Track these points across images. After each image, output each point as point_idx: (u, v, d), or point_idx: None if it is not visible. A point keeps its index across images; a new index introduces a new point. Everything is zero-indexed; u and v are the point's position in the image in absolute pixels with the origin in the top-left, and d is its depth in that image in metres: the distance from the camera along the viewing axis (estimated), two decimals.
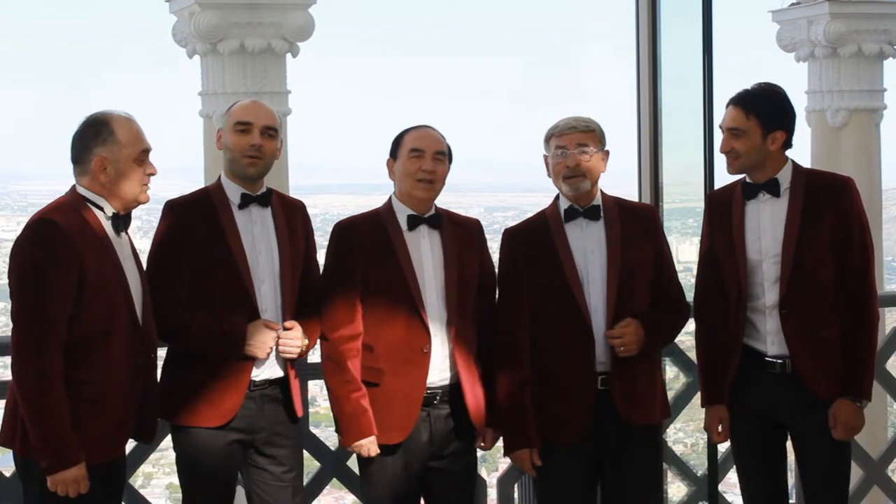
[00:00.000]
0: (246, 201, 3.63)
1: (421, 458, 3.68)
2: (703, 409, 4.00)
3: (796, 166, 3.79)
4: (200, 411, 3.56)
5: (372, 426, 3.63)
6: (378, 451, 3.65)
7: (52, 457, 3.20)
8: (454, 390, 3.67)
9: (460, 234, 3.74)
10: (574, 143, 3.67)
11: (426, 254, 3.68)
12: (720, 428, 3.91)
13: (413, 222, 3.69)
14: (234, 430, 3.59)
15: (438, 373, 3.65)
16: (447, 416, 3.67)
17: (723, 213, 3.84)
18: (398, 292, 3.63)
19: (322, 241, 3.84)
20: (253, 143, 3.59)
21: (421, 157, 3.65)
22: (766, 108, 3.70)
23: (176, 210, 3.63)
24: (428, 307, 3.64)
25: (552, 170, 3.73)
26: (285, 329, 3.60)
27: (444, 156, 3.69)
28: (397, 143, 3.72)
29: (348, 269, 3.68)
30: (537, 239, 3.74)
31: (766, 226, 3.76)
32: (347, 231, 3.72)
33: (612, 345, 3.64)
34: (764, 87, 3.77)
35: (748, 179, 3.79)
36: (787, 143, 3.76)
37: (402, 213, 3.70)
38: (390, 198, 3.75)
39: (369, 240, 3.67)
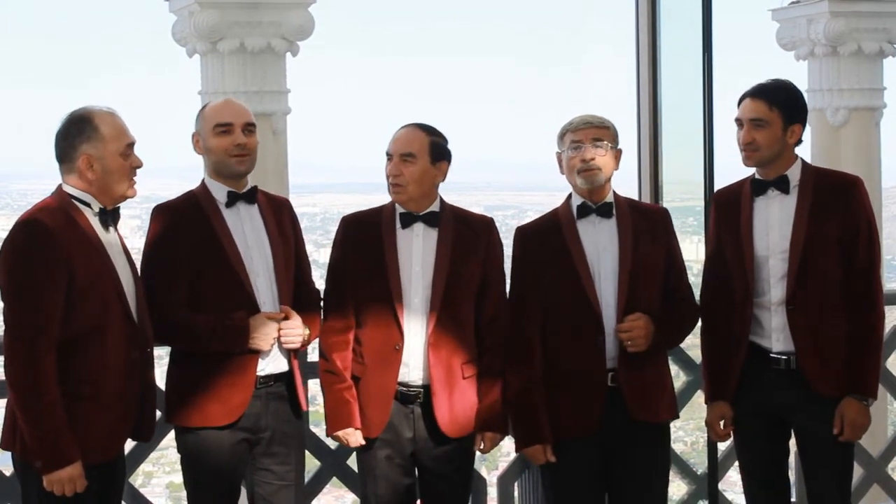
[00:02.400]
0: (233, 199, 3.65)
1: (404, 453, 3.70)
2: (704, 408, 4.00)
3: (806, 164, 3.81)
4: (208, 410, 3.57)
5: (351, 418, 3.67)
6: (360, 442, 3.70)
7: (47, 456, 3.20)
8: (429, 391, 3.67)
9: (464, 231, 3.73)
10: (589, 138, 3.68)
11: (416, 252, 3.69)
12: (722, 425, 3.92)
13: (406, 220, 3.70)
14: (240, 430, 3.61)
15: (415, 371, 3.67)
16: (429, 417, 3.68)
17: (730, 210, 3.85)
18: (380, 289, 3.66)
19: (324, 239, 3.86)
20: (237, 142, 3.62)
21: (390, 161, 3.68)
22: (787, 101, 3.74)
23: (166, 213, 3.64)
24: (409, 305, 3.65)
25: (566, 165, 3.74)
26: (284, 319, 3.62)
27: (412, 157, 3.65)
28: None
29: (342, 263, 3.74)
30: (549, 236, 3.75)
31: (774, 222, 3.76)
32: (347, 226, 3.78)
33: (621, 339, 3.65)
34: (780, 81, 3.80)
35: (758, 176, 3.80)
36: (800, 140, 3.79)
37: (399, 211, 3.72)
38: None
39: (364, 235, 3.71)
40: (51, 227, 3.23)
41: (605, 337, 3.68)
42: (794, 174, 3.77)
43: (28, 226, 3.25)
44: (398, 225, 3.71)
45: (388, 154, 3.70)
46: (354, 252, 3.72)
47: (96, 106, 3.37)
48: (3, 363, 3.29)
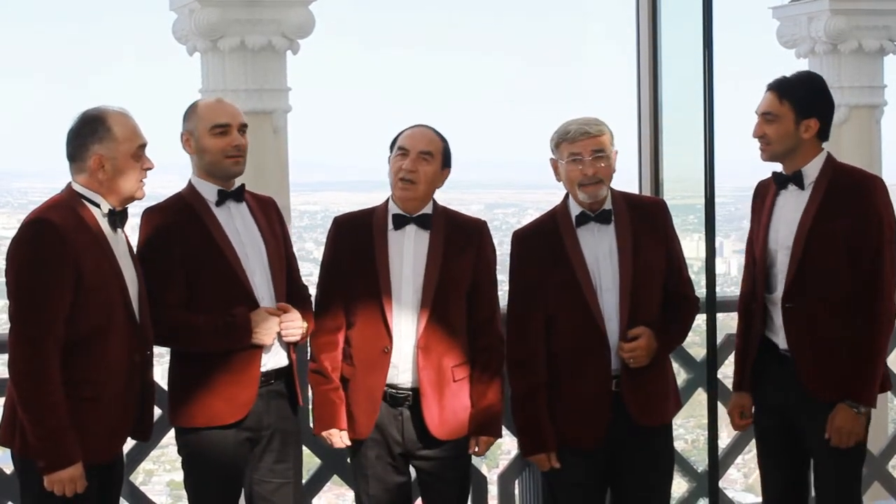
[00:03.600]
0: (223, 198, 3.65)
1: (392, 452, 3.71)
2: (705, 405, 4.02)
3: (829, 160, 3.74)
4: (214, 410, 3.57)
5: (336, 418, 3.69)
6: (346, 443, 3.71)
7: (49, 456, 3.20)
8: (418, 394, 3.67)
9: (455, 234, 3.72)
10: (589, 150, 3.62)
11: (407, 254, 3.69)
12: (741, 416, 3.95)
13: (399, 222, 3.69)
14: (244, 429, 3.61)
15: (404, 374, 3.67)
16: (418, 420, 3.68)
17: (760, 203, 3.86)
18: (370, 290, 3.66)
19: (324, 237, 3.86)
20: (235, 143, 3.62)
21: (405, 155, 3.66)
22: (800, 95, 3.68)
23: (157, 215, 3.63)
24: (399, 308, 3.65)
25: (566, 176, 3.68)
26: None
27: (430, 156, 3.66)
28: (393, 141, 3.74)
29: (334, 264, 3.75)
30: (548, 242, 3.71)
31: (787, 218, 3.74)
32: (340, 226, 3.78)
33: (623, 358, 3.63)
34: (802, 74, 3.78)
35: (781, 170, 3.78)
36: (822, 134, 3.72)
37: (392, 212, 3.72)
38: (389, 196, 3.76)
39: (356, 237, 3.72)
40: (61, 226, 3.22)
41: (609, 349, 3.65)
42: (811, 170, 3.71)
43: (38, 224, 3.23)
44: (390, 226, 3.71)
45: (402, 149, 3.67)
46: (346, 253, 3.72)
47: (110, 106, 3.36)
48: (7, 361, 3.27)
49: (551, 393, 3.70)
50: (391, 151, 3.73)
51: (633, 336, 3.63)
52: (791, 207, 3.74)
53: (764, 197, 3.85)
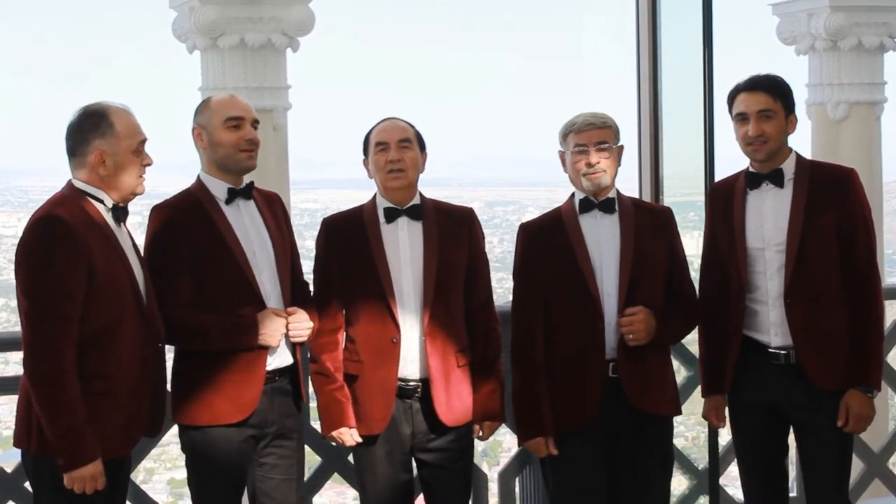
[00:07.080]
0: (232, 195, 3.64)
1: (403, 449, 3.72)
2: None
3: (800, 157, 3.81)
4: (218, 408, 3.56)
5: (345, 417, 3.69)
6: (357, 440, 3.70)
7: (69, 454, 3.17)
8: (428, 384, 3.69)
9: (446, 223, 3.77)
10: (593, 141, 3.71)
11: (403, 245, 3.71)
12: (716, 417, 3.96)
13: (390, 215, 3.73)
14: (249, 426, 3.61)
15: (412, 364, 3.69)
16: (427, 410, 3.69)
17: (724, 203, 3.86)
18: (370, 285, 3.68)
19: None
20: (248, 137, 3.62)
21: (386, 149, 3.71)
22: (785, 92, 3.77)
23: (165, 212, 3.62)
24: (402, 298, 3.68)
25: (571, 167, 3.76)
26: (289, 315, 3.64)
27: (409, 143, 3.72)
28: (366, 141, 3.78)
29: (329, 264, 3.76)
30: (552, 231, 3.78)
31: (768, 215, 3.76)
32: (330, 226, 3.80)
33: (622, 332, 3.66)
34: (771, 74, 3.81)
35: (752, 169, 3.80)
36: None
37: (382, 206, 3.75)
38: (375, 193, 3.80)
39: (348, 235, 3.74)
40: (70, 221, 3.20)
41: (605, 326, 3.68)
42: (788, 167, 3.77)
43: (47, 221, 3.21)
44: (382, 220, 3.73)
45: (380, 144, 3.71)
46: (340, 252, 3.74)
47: (111, 102, 3.35)
48: (22, 359, 3.24)
49: (549, 371, 3.73)
50: (366, 153, 3.77)
51: (631, 313, 3.66)
52: (771, 205, 3.77)
53: (726, 199, 3.85)
